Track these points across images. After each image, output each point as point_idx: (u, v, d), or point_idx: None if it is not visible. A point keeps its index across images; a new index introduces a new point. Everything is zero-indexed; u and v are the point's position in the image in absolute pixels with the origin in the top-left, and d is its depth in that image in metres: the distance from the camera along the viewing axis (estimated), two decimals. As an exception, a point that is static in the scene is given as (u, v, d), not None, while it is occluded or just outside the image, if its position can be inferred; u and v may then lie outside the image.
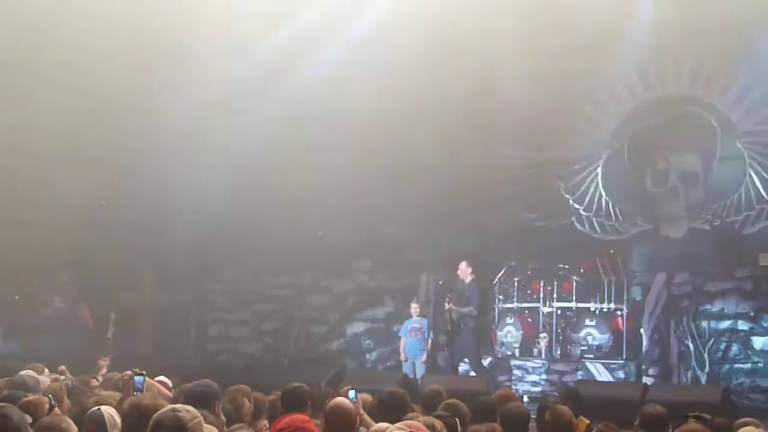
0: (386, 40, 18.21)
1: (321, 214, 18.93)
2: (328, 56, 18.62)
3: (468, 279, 16.88)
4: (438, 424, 5.56)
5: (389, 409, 6.92)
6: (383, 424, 5.71)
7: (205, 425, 4.81)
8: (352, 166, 18.73)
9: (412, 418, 5.80)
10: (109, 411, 5.58)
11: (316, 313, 19.94)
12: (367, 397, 8.17)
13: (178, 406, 4.69)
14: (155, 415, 4.58)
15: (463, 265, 16.90)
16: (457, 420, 6.53)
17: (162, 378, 8.43)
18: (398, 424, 4.08)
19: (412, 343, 17.24)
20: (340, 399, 6.86)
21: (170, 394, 7.85)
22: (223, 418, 6.76)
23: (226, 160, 18.24)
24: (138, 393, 6.55)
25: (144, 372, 7.05)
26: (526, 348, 17.59)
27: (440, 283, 17.59)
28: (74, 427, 5.05)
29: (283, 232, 19.14)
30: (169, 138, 18.23)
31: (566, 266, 18.15)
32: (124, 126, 17.94)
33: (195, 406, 6.05)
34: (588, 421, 7.84)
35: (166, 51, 17.53)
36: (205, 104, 18.27)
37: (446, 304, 16.82)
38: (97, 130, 17.59)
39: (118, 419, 5.43)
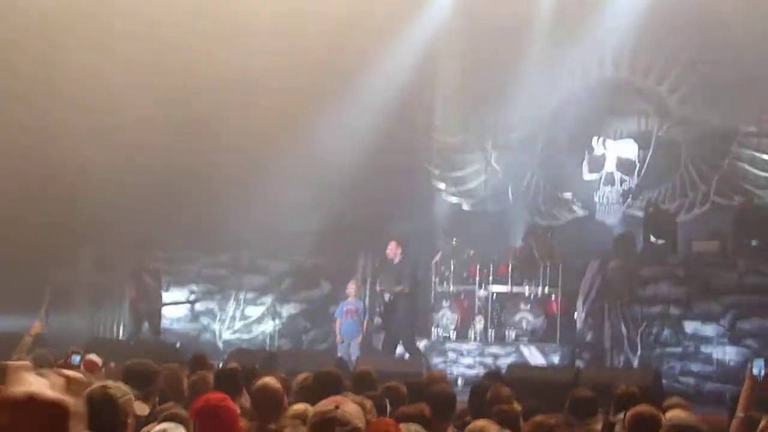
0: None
1: (260, 194, 18.83)
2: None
3: (397, 259, 16.83)
4: (368, 404, 5.56)
5: (324, 388, 6.90)
6: (303, 405, 5.72)
7: (135, 402, 4.79)
8: (288, 147, 18.65)
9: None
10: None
11: (253, 294, 19.83)
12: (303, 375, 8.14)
13: (109, 383, 4.65)
14: (85, 391, 4.53)
15: (392, 245, 16.84)
16: (387, 401, 6.54)
17: (92, 356, 8.34)
18: (323, 402, 4.10)
19: (348, 324, 17.20)
20: (267, 379, 6.83)
21: (102, 372, 7.78)
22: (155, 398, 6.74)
23: (164, 136, 18.13)
24: (76, 372, 6.47)
25: (81, 351, 6.99)
26: (462, 331, 17.67)
27: (377, 265, 17.58)
28: None
29: (221, 212, 19.02)
30: (105, 115, 18.08)
31: (503, 250, 18.24)
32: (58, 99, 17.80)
33: (134, 385, 6.04)
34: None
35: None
36: (136, 79, 18.16)
37: (377, 286, 16.84)
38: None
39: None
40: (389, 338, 16.92)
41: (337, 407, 3.96)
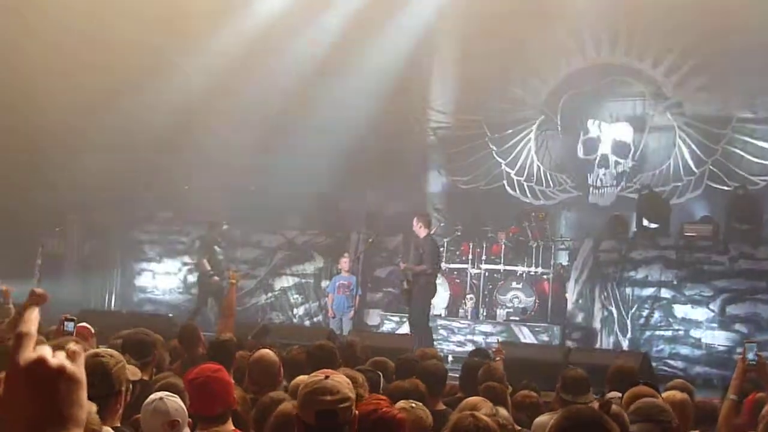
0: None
1: (253, 168, 18.86)
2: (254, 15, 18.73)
3: (422, 234, 15.69)
4: (360, 377, 5.57)
5: (318, 361, 6.92)
6: (303, 377, 5.73)
7: (128, 366, 4.79)
8: (284, 122, 18.65)
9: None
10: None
11: (245, 267, 19.83)
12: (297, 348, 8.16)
13: (101, 350, 4.65)
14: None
15: (414, 221, 15.79)
16: (381, 374, 6.56)
17: (84, 324, 8.31)
18: (314, 373, 4.12)
19: (340, 299, 17.19)
20: (263, 351, 6.84)
21: (94, 341, 7.79)
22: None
23: (160, 110, 18.13)
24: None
25: (75, 318, 6.99)
26: (453, 308, 17.71)
27: (370, 240, 17.56)
28: None
29: (214, 184, 19.04)
30: (107, 92, 18.09)
31: (495, 229, 18.25)
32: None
33: (132, 354, 6.03)
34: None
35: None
36: (142, 60, 18.16)
37: (400, 264, 16.23)
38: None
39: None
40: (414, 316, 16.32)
41: (327, 377, 3.97)
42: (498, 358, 9.20)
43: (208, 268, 17.70)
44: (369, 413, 4.07)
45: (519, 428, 5.71)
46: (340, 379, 3.97)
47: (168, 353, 7.96)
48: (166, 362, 7.61)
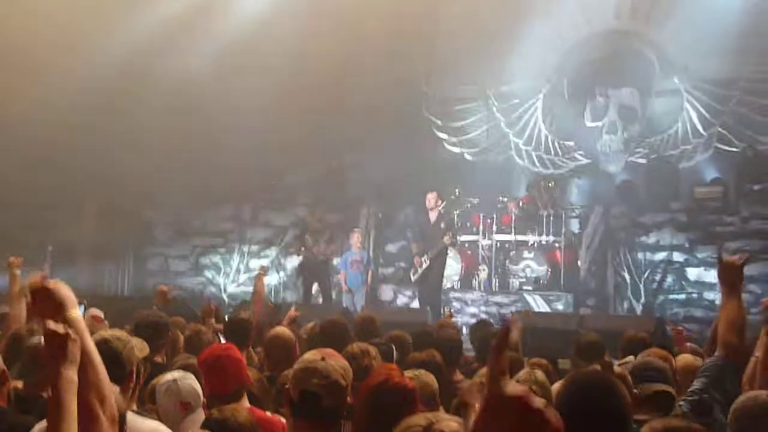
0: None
1: (264, 147, 18.84)
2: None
3: (437, 208, 15.72)
4: (373, 350, 5.58)
5: (331, 337, 6.95)
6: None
7: (135, 344, 4.80)
8: (293, 103, 18.59)
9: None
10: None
11: (256, 247, 19.88)
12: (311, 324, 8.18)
13: (108, 334, 4.65)
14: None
15: (435, 195, 15.70)
16: (393, 347, 6.57)
17: (94, 311, 8.32)
18: (312, 351, 4.10)
19: (354, 275, 17.14)
20: (279, 329, 6.86)
21: (105, 324, 7.80)
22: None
23: (169, 92, 18.12)
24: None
25: (85, 301, 7.00)
26: (466, 280, 17.71)
27: (380, 216, 17.52)
28: None
29: (225, 165, 19.04)
30: (116, 76, 18.04)
31: (505, 199, 18.23)
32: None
33: (144, 337, 6.04)
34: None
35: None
36: (148, 43, 18.08)
37: (446, 239, 15.73)
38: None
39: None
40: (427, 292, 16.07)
41: (323, 358, 3.95)
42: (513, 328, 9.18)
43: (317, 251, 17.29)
44: (381, 383, 4.06)
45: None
46: (335, 364, 3.94)
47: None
48: (180, 343, 7.61)
